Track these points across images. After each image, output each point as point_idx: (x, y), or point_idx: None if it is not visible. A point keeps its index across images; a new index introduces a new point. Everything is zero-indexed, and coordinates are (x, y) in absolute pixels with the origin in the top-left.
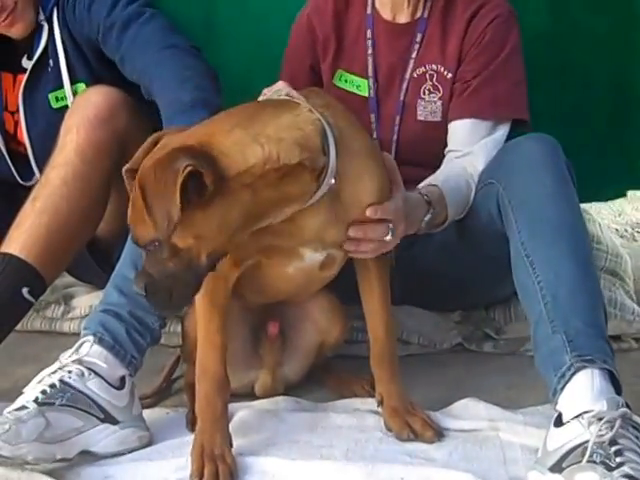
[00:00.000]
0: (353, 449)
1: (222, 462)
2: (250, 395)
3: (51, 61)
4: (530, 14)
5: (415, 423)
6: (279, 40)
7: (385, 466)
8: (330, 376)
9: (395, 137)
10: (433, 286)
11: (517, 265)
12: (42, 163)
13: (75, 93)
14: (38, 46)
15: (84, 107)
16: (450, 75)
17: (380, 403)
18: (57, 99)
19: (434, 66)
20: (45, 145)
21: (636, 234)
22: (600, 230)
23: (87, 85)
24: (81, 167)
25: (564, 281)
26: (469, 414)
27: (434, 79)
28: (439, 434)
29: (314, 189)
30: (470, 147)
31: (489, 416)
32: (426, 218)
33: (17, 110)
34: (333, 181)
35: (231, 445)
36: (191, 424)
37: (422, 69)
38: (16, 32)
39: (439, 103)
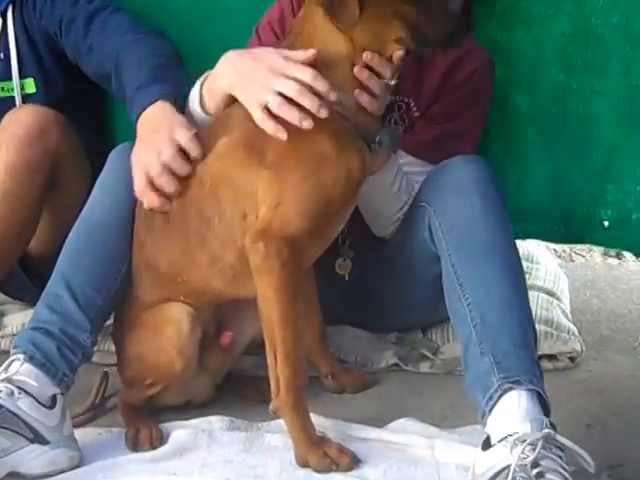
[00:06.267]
0: (287, 469)
1: (330, 447)
2: (184, 411)
3: (2, 54)
4: None
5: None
6: None
7: None
8: (233, 378)
9: None
10: (371, 306)
11: (448, 287)
12: None
13: (22, 87)
14: None
15: (14, 126)
16: (418, 114)
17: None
18: (2, 89)
19: (405, 98)
20: None
21: (573, 255)
22: (538, 250)
23: (35, 81)
24: (11, 185)
25: (492, 302)
26: (406, 433)
27: (402, 110)
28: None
29: None
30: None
31: (426, 435)
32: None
33: None
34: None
35: None
36: (131, 442)
37: (393, 97)
38: None
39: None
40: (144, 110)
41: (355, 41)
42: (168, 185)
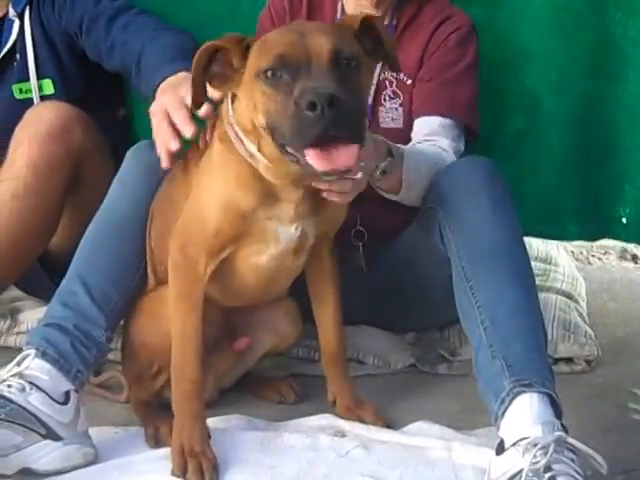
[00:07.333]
0: (305, 469)
1: (204, 458)
2: None
3: (18, 55)
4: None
5: (366, 416)
6: None
7: None
8: (251, 379)
9: None
10: (387, 306)
11: (458, 289)
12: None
13: (40, 88)
14: (7, 41)
15: (36, 122)
16: (410, 81)
17: (333, 402)
18: (21, 90)
19: (393, 73)
20: (4, 138)
21: (591, 257)
22: (557, 253)
23: (54, 82)
24: (33, 181)
25: (503, 305)
26: (423, 435)
27: (394, 85)
28: (389, 424)
29: None
30: (434, 135)
31: (442, 437)
32: (382, 164)
33: None
34: None
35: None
36: (152, 439)
37: (382, 75)
38: None
39: (400, 109)
40: (166, 79)
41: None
42: (183, 121)
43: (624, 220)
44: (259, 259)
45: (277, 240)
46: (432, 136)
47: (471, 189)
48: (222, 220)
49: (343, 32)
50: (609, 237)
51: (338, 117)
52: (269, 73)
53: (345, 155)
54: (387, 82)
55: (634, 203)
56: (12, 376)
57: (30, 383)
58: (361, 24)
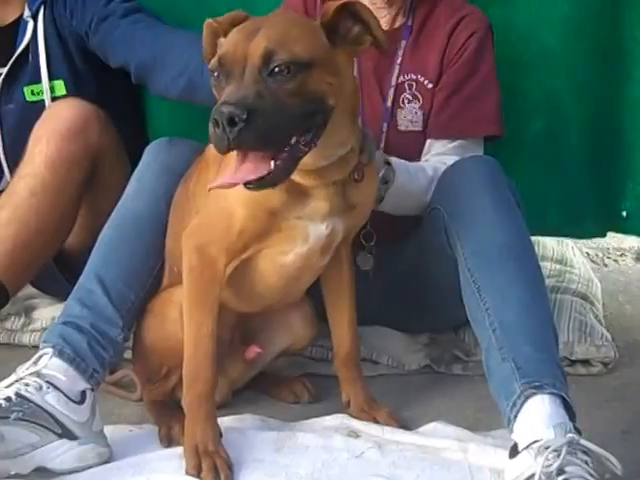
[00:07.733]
0: (319, 469)
1: (218, 457)
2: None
3: (30, 56)
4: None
5: (380, 417)
6: None
7: None
8: (266, 379)
9: (382, 144)
10: (400, 306)
11: (465, 292)
12: (12, 162)
13: (52, 89)
14: (21, 42)
15: (55, 120)
16: (431, 85)
17: (347, 404)
18: (32, 92)
19: (413, 76)
20: (15, 141)
21: (606, 259)
22: (573, 254)
23: (66, 83)
24: (50, 179)
25: (511, 306)
26: (438, 436)
27: (413, 88)
28: (403, 424)
29: None
30: (444, 155)
31: (458, 438)
32: (381, 172)
33: None
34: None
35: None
36: (166, 439)
37: (401, 78)
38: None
39: (420, 112)
40: None
41: None
42: None
43: (624, 214)
44: (285, 258)
45: (306, 238)
46: (442, 156)
47: (475, 190)
48: (248, 217)
49: (297, 31)
50: (611, 231)
51: (244, 134)
52: (215, 74)
53: (245, 169)
54: (406, 85)
55: (635, 198)
56: (29, 375)
57: (47, 382)
58: (342, 11)
